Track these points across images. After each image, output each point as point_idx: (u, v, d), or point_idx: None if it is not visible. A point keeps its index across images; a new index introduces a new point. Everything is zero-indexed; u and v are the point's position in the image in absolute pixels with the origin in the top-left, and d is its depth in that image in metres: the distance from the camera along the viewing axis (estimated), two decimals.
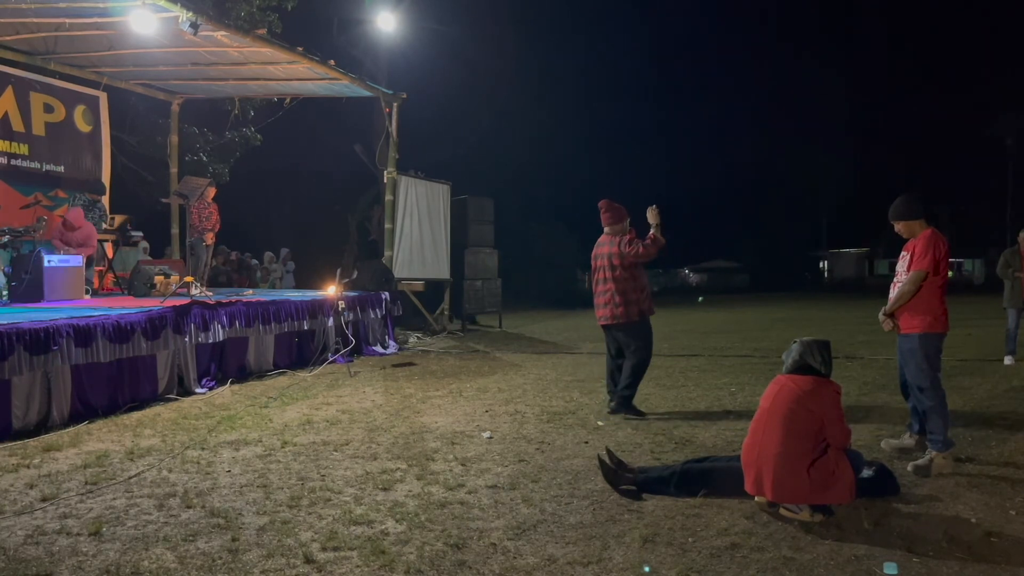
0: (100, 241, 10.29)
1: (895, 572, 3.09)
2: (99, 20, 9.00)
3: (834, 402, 3.87)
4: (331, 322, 9.38)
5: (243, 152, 16.58)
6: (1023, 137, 40.00)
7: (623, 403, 6.19)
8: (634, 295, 6.22)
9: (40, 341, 5.60)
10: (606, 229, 6.37)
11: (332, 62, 10.27)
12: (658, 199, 6.52)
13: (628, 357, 6.27)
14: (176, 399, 6.84)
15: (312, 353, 9.08)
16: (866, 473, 4.06)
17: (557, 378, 8.17)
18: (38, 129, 10.58)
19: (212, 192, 10.53)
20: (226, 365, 7.83)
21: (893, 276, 4.99)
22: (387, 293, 10.82)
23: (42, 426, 5.61)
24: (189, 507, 3.87)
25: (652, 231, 6.14)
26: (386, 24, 15.39)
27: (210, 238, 10.75)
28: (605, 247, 6.33)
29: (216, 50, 9.77)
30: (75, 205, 9.82)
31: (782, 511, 3.69)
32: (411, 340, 11.81)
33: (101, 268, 10.44)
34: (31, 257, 8.13)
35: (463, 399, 6.93)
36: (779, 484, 3.68)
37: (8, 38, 9.79)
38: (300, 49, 9.63)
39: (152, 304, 7.51)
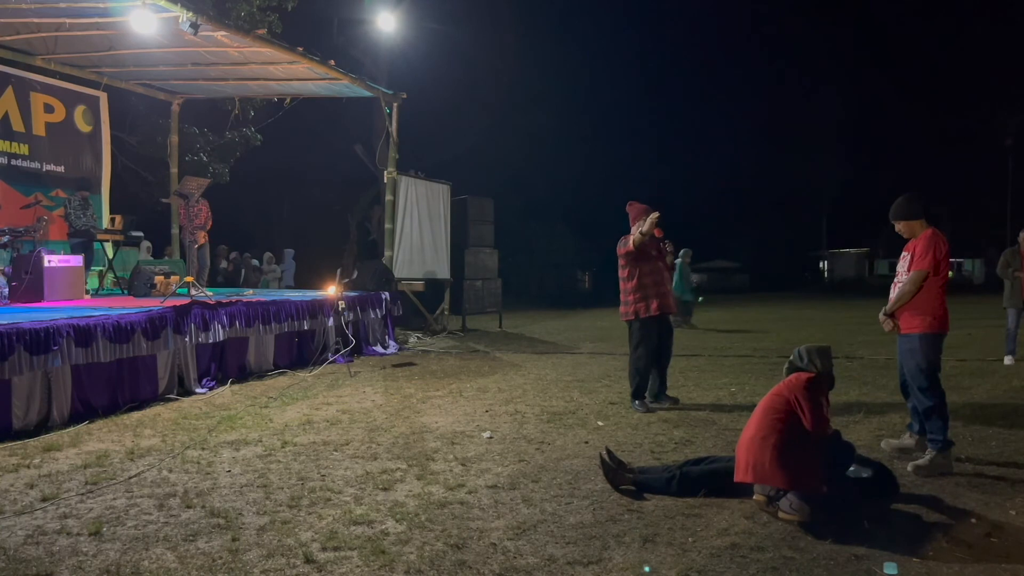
0: (100, 241, 10.30)
1: (895, 572, 3.09)
2: (99, 20, 9.00)
3: (805, 387, 3.97)
4: (331, 322, 9.38)
5: (243, 152, 16.58)
6: (1023, 137, 40.00)
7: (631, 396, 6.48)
8: (629, 296, 6.43)
9: (40, 341, 5.60)
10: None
11: (332, 62, 10.27)
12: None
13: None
14: (176, 399, 6.84)
15: (312, 353, 9.08)
16: (865, 473, 4.06)
17: (557, 378, 8.17)
18: (38, 129, 10.59)
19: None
20: (226, 365, 7.82)
21: (893, 276, 5.00)
22: (387, 293, 10.82)
23: (42, 426, 5.61)
24: (189, 507, 3.87)
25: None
26: (386, 24, 15.40)
27: (202, 237, 10.74)
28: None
29: (216, 50, 9.77)
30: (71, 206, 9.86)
31: (780, 514, 3.69)
32: (411, 340, 11.80)
33: (101, 268, 10.44)
34: (31, 257, 8.13)
35: (463, 399, 6.93)
36: (751, 464, 3.78)
37: (8, 38, 9.79)
38: (300, 49, 9.63)
39: (152, 304, 7.51)
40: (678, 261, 15.25)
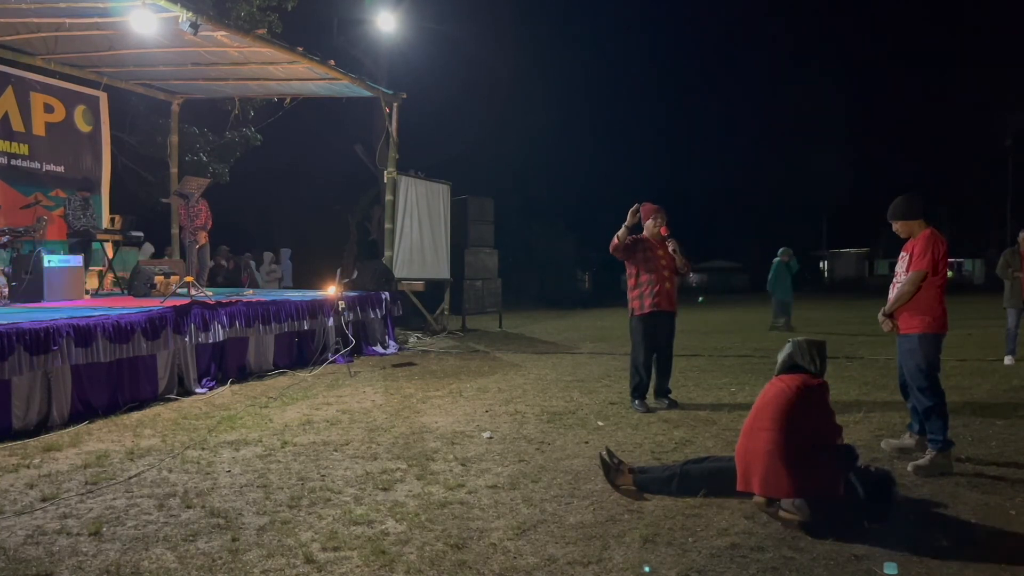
0: (100, 241, 10.30)
1: (895, 572, 3.09)
2: (99, 20, 9.00)
3: (821, 398, 3.89)
4: (331, 322, 9.38)
5: (243, 152, 16.58)
6: (1023, 137, 39.99)
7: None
8: (629, 293, 6.63)
9: (40, 341, 5.60)
10: None
11: (332, 62, 10.27)
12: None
13: None
14: (176, 399, 6.84)
15: (312, 353, 9.08)
16: (866, 484, 4.03)
17: (557, 378, 8.17)
18: (38, 129, 10.58)
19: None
20: (226, 365, 7.82)
21: (893, 276, 4.99)
22: (387, 293, 10.82)
23: (42, 426, 5.61)
24: (189, 507, 3.87)
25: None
26: (386, 24, 15.42)
27: (203, 237, 10.75)
28: None
29: (216, 50, 9.77)
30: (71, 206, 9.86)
31: (781, 513, 3.68)
32: (411, 340, 11.80)
33: (101, 268, 10.45)
34: (31, 257, 8.13)
35: (463, 399, 6.93)
36: (766, 478, 3.69)
37: (8, 38, 9.79)
38: (300, 49, 9.63)
39: (152, 304, 7.51)
40: (776, 260, 14.55)
